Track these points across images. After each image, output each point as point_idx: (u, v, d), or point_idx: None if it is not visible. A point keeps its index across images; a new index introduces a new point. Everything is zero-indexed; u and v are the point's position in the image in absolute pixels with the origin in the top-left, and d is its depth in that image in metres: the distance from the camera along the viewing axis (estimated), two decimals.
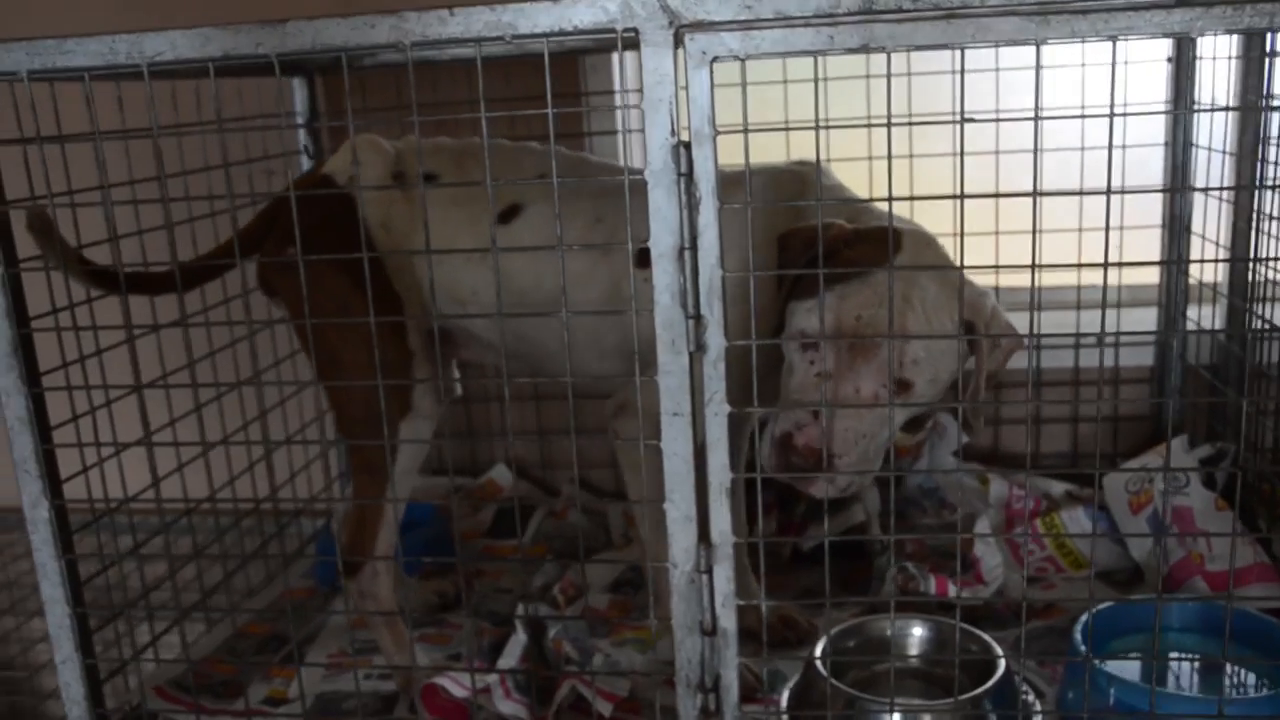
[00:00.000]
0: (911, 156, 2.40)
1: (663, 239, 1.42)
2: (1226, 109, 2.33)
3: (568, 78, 2.50)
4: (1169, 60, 2.40)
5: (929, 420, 2.40)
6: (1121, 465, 2.28)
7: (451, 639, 2.09)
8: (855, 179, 2.01)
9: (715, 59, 1.37)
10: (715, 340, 1.44)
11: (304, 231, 1.75)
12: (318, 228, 1.75)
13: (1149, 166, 2.52)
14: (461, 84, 2.35)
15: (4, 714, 2.95)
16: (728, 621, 1.52)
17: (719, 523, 1.49)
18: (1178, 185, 2.39)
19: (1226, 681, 1.80)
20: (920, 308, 1.61)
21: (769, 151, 2.03)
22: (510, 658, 1.85)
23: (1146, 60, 2.44)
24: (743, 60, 1.38)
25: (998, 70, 2.38)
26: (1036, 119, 1.40)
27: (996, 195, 1.56)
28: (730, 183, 1.83)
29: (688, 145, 1.39)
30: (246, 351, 2.19)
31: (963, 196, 1.41)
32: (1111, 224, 2.35)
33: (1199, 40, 2.31)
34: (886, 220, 1.71)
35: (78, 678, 1.72)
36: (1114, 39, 1.32)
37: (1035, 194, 1.41)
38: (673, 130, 1.39)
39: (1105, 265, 1.44)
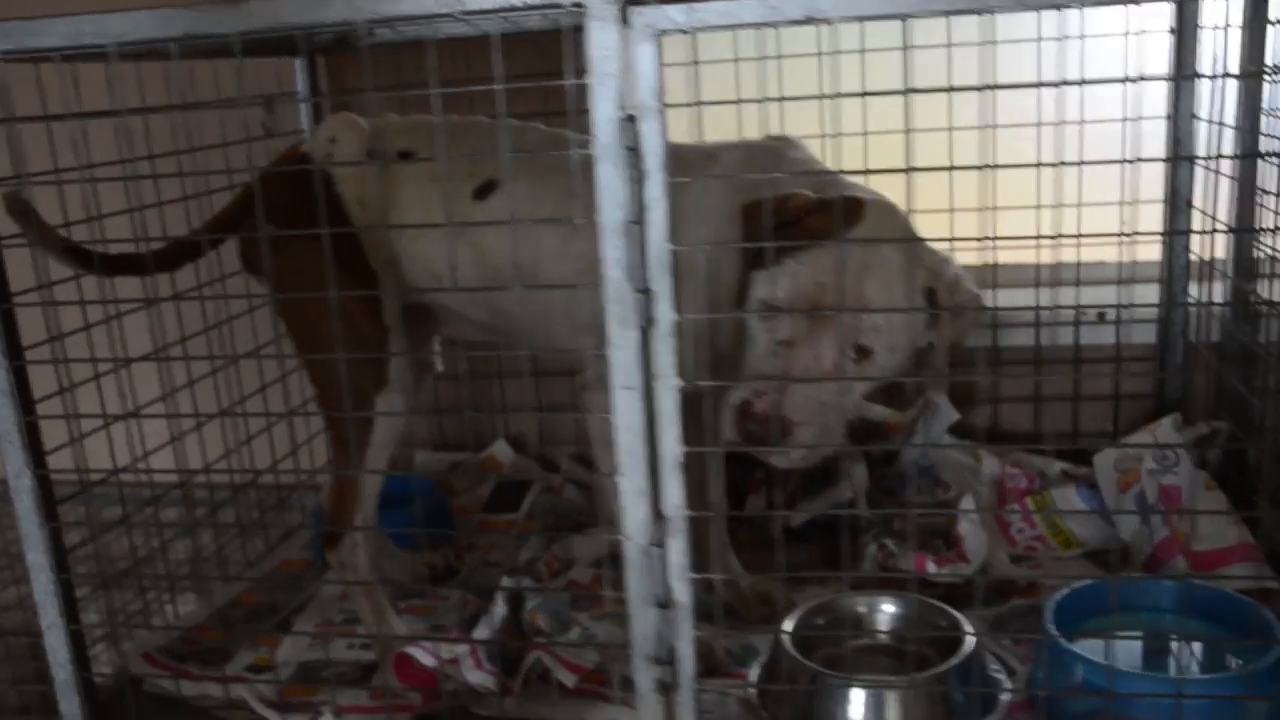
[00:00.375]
0: (909, 131, 2.36)
1: (611, 213, 1.42)
2: (1172, 78, 2.28)
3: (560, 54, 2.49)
4: (1171, 31, 2.35)
5: (920, 397, 2.39)
6: (1117, 443, 2.25)
7: (437, 610, 2.12)
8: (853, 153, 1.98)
9: (661, 33, 1.37)
10: (664, 314, 1.44)
11: (282, 210, 1.79)
12: (295, 205, 1.78)
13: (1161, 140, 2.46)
14: (460, 62, 2.36)
15: (32, 676, 3.05)
16: (682, 594, 1.53)
17: (672, 496, 1.50)
18: (1134, 156, 2.34)
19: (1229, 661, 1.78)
20: (881, 275, 1.61)
21: (762, 126, 2.02)
22: (486, 629, 1.88)
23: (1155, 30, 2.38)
24: (688, 34, 1.38)
25: (986, 44, 2.32)
26: (984, 88, 1.39)
27: (942, 168, 1.53)
28: (699, 157, 1.84)
29: (634, 120, 1.39)
30: (240, 329, 2.25)
31: (910, 170, 1.41)
32: (1114, 199, 2.34)
33: (1201, 8, 2.26)
34: (851, 190, 1.71)
35: (63, 642, 1.78)
36: (1060, 8, 1.30)
37: (983, 167, 1.41)
38: (620, 105, 1.39)
39: (1058, 237, 1.42)
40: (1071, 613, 1.81)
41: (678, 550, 1.52)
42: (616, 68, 1.38)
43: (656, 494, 1.50)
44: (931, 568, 2.02)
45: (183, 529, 2.08)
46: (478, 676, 1.76)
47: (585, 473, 2.62)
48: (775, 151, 1.81)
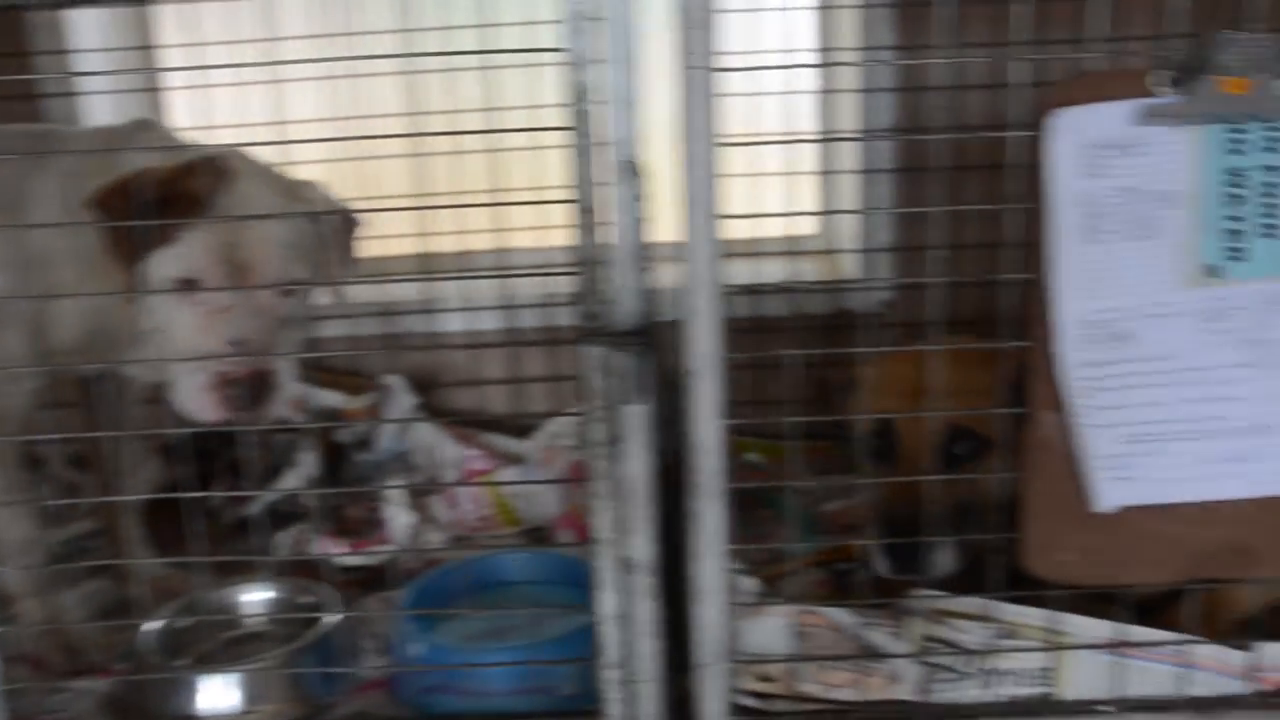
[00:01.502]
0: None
1: None
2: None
3: (9, 37, 2.41)
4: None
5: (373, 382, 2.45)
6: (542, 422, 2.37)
7: None
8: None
9: None
10: None
11: None
12: None
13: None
14: None
15: None
16: None
17: None
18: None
19: None
20: (273, 211, 1.65)
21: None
22: None
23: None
24: None
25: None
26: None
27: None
28: (32, 140, 1.82)
29: None
30: None
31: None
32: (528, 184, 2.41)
33: None
34: (210, 153, 1.71)
35: None
36: None
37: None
38: None
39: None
40: (447, 589, 1.90)
41: None
42: None
43: None
44: (344, 551, 2.08)
45: None
46: None
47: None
48: (125, 135, 1.80)
